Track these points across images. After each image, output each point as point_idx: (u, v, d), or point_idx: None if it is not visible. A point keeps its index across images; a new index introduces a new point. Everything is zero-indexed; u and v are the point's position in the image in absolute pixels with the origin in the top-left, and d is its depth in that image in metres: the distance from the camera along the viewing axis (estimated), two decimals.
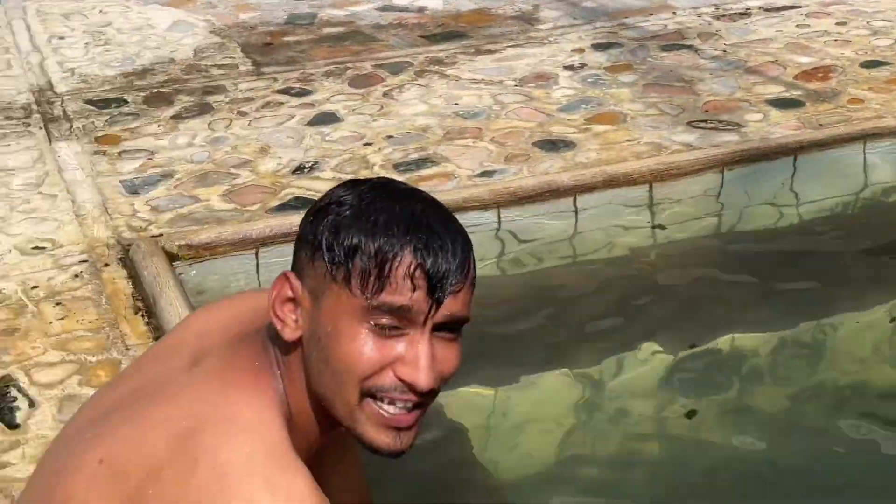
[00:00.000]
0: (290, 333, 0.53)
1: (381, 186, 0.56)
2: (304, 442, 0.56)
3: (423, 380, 0.49)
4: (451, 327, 0.52)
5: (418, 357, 0.49)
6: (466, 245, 0.53)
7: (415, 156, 1.98)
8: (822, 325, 1.89)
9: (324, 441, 0.62)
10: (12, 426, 1.29)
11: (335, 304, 0.50)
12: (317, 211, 0.53)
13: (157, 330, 1.42)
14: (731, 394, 1.76)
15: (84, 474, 0.54)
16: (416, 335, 0.49)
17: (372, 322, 0.48)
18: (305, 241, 0.54)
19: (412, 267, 0.47)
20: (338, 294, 0.49)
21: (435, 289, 0.48)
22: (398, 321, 0.48)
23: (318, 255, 0.51)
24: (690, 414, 1.72)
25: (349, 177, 1.65)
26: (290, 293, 0.53)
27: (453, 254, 0.50)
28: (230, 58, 2.70)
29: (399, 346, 0.49)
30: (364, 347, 0.49)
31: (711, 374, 1.78)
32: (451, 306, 0.50)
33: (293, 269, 0.56)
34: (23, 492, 0.77)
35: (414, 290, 0.47)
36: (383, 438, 0.52)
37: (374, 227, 0.49)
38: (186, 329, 0.74)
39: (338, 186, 0.57)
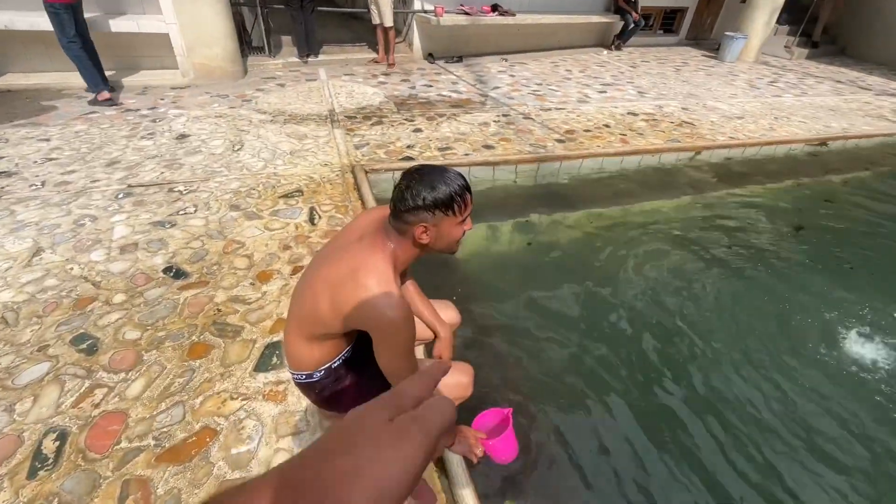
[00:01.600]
0: (425, 240, 1.05)
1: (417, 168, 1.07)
2: (397, 271, 1.10)
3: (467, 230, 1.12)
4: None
5: (470, 226, 1.14)
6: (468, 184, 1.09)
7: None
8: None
9: (404, 269, 1.19)
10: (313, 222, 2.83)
11: (448, 222, 1.06)
12: (404, 180, 1.04)
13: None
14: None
15: (318, 281, 1.06)
16: (468, 219, 1.13)
17: (459, 225, 1.09)
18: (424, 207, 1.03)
19: (466, 200, 1.08)
20: (449, 219, 1.06)
21: (469, 205, 1.12)
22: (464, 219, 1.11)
23: (440, 209, 1.04)
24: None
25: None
26: (424, 229, 1.05)
27: (468, 190, 1.10)
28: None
29: (465, 224, 1.13)
30: (459, 233, 1.10)
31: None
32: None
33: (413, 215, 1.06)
34: (294, 290, 1.14)
35: (467, 209, 1.10)
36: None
37: (438, 189, 1.03)
38: (356, 222, 1.19)
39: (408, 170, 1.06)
